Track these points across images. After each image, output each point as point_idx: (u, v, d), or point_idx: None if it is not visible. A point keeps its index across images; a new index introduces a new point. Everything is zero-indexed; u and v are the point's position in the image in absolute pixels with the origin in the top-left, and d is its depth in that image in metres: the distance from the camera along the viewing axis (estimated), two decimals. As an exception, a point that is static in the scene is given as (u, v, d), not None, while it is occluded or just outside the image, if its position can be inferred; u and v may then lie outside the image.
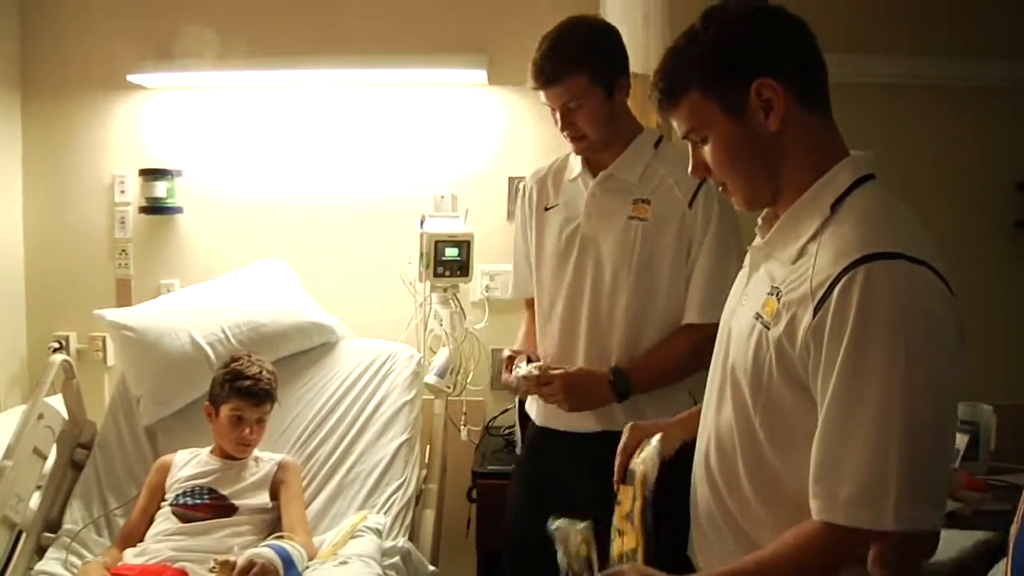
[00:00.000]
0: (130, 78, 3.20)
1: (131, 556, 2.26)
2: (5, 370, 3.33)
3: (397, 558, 2.31)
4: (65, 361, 2.58)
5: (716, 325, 1.42)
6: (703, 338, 1.62)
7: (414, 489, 2.55)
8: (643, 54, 2.65)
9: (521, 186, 2.29)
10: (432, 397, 2.80)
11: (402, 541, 2.38)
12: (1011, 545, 1.12)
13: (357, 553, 2.20)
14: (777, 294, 1.17)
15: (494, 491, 2.59)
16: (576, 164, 2.11)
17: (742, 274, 1.38)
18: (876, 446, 1.04)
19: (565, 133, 2.01)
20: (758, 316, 1.20)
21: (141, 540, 2.30)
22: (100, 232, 3.37)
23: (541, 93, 1.98)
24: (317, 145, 3.24)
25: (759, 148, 1.20)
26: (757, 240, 1.33)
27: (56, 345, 3.34)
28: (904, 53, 2.96)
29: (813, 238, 1.17)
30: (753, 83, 1.16)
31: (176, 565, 2.16)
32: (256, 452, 2.45)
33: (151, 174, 3.23)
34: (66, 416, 2.59)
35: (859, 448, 1.05)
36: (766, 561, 1.13)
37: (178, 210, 3.28)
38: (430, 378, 2.72)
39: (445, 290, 2.80)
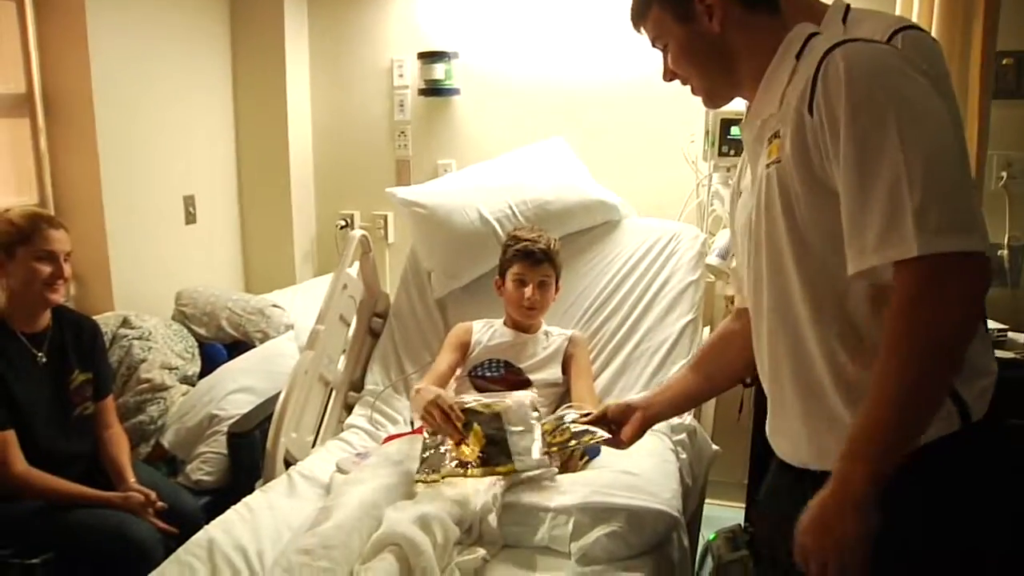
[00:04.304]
0: (408, -36, 3.25)
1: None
2: (299, 247, 3.60)
3: (684, 435, 2.31)
4: (364, 236, 2.73)
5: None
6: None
7: (699, 369, 2.52)
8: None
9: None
10: (713, 279, 2.74)
11: (688, 419, 2.37)
12: None
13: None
14: (776, 135, 1.25)
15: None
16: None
17: (747, 185, 1.42)
18: (889, 188, 1.07)
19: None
20: (768, 165, 1.26)
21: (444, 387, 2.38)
22: (380, 115, 3.52)
23: None
24: (594, 24, 3.15)
25: (709, 47, 1.32)
26: (745, 129, 1.40)
27: (343, 223, 3.56)
28: None
29: (788, 84, 1.25)
30: None
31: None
32: (546, 327, 2.51)
33: (429, 57, 3.30)
34: (363, 287, 2.76)
35: (876, 195, 1.08)
36: (878, 368, 1.10)
37: (455, 91, 3.34)
38: (712, 259, 2.65)
39: (728, 170, 2.70)
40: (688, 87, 1.41)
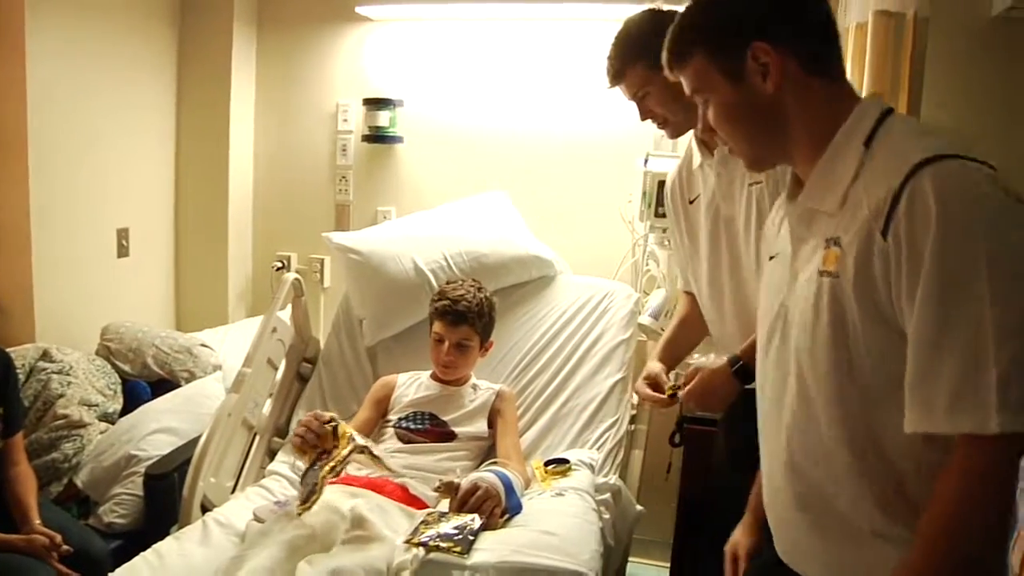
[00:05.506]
0: (358, 10, 3.27)
1: (353, 468, 2.36)
2: (234, 286, 3.55)
3: (608, 495, 2.31)
4: (296, 279, 2.71)
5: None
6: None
7: (626, 428, 2.53)
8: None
9: (668, 184, 2.10)
10: (645, 338, 2.76)
11: (613, 478, 2.38)
12: None
13: (573, 486, 2.22)
14: (836, 242, 1.11)
15: (699, 437, 2.52)
16: (695, 152, 1.95)
17: (782, 258, 1.28)
18: (972, 344, 0.96)
19: (649, 121, 1.93)
20: (822, 273, 1.13)
21: None
22: (322, 158, 3.52)
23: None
24: (539, 79, 3.21)
25: (758, 110, 1.19)
26: (790, 205, 1.26)
27: (279, 265, 3.53)
28: None
29: (854, 180, 1.12)
30: (749, 48, 1.16)
31: (397, 480, 2.24)
32: (475, 380, 2.50)
33: (374, 104, 3.32)
34: (293, 331, 2.72)
35: (955, 349, 0.97)
36: (926, 526, 1.03)
37: (398, 139, 3.36)
38: (644, 318, 2.69)
39: (664, 231, 2.74)
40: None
